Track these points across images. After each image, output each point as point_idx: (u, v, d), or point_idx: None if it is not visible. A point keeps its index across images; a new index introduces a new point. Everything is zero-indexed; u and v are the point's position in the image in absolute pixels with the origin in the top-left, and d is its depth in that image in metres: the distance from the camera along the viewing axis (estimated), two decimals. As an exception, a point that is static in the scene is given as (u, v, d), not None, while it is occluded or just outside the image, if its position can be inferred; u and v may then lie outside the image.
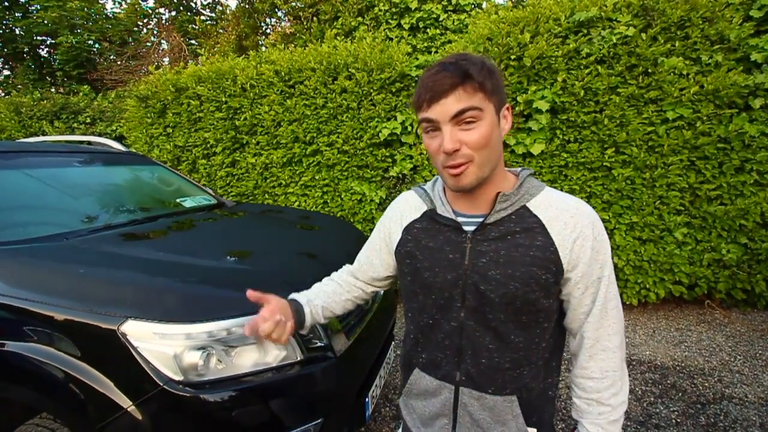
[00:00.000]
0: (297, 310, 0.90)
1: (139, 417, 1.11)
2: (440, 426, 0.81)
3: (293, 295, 0.94)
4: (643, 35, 2.60)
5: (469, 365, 0.76)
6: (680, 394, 2.16)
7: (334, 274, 1.04)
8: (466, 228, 0.75)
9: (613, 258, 2.90)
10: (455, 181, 0.69)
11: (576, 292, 0.73)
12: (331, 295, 0.97)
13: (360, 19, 5.77)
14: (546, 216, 0.72)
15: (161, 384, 1.11)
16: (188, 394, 1.12)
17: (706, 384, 2.24)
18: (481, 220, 0.74)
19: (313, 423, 1.27)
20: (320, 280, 1.52)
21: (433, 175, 3.14)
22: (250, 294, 0.84)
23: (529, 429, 0.76)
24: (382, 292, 2.00)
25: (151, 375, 1.11)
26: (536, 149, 2.83)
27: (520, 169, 0.79)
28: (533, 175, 0.78)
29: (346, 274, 1.02)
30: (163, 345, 1.13)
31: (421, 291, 0.80)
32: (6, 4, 10.05)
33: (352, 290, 1.00)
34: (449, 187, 0.73)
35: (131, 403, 1.11)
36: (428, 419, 0.83)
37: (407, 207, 0.86)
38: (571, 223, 0.71)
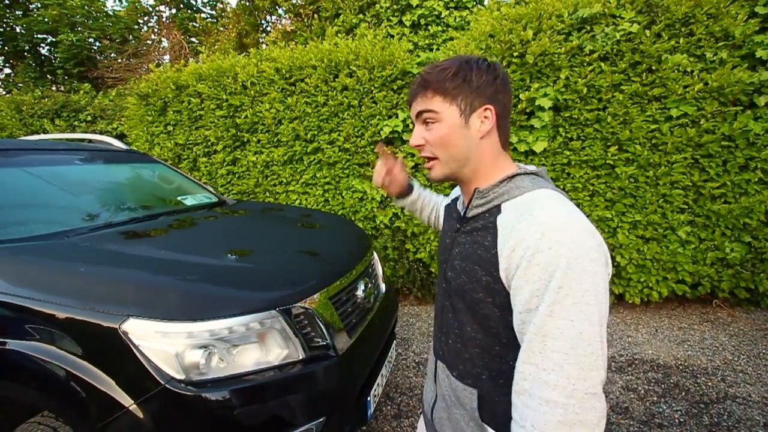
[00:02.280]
0: (409, 187, 1.16)
1: (141, 416, 1.10)
2: (430, 390, 0.91)
3: (417, 185, 1.19)
4: (647, 32, 2.58)
5: (443, 342, 0.83)
6: (683, 393, 2.15)
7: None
8: (462, 219, 0.82)
9: (615, 256, 2.93)
10: (428, 173, 0.78)
11: (515, 309, 0.63)
12: (432, 199, 1.18)
13: (361, 16, 5.75)
14: (503, 218, 0.68)
15: (163, 383, 1.11)
16: (190, 393, 1.11)
17: (710, 383, 2.23)
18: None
19: (316, 422, 1.26)
20: (322, 278, 1.53)
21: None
22: (379, 147, 1.13)
23: (486, 426, 0.73)
24: (384, 289, 1.99)
25: (153, 374, 1.11)
26: (539, 147, 2.82)
27: (530, 167, 0.75)
28: (536, 175, 0.73)
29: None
30: (165, 343, 1.13)
31: (438, 264, 0.91)
32: (6, 2, 10.04)
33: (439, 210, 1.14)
34: None
35: (133, 401, 1.10)
36: (428, 382, 0.94)
37: (453, 192, 0.98)
38: (517, 228, 0.63)
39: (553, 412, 0.55)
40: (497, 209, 0.70)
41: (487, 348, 0.73)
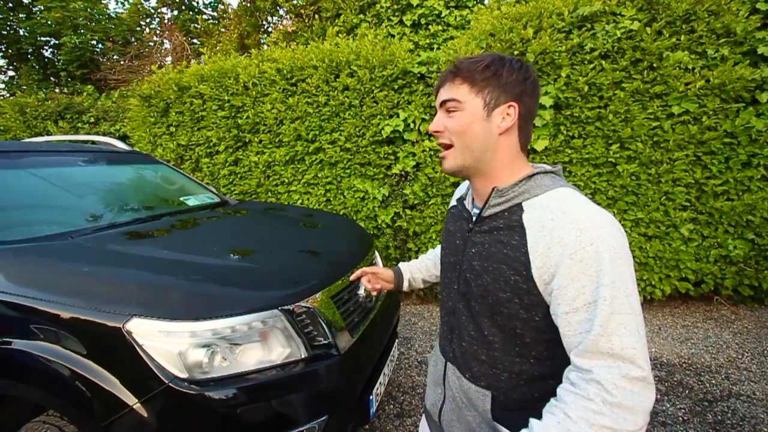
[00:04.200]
0: (397, 281, 1.17)
1: (145, 414, 1.11)
2: (436, 394, 0.89)
3: (401, 266, 1.20)
4: (648, 29, 2.57)
5: (455, 344, 0.83)
6: (687, 391, 2.15)
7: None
8: (474, 219, 0.80)
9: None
10: (441, 162, 0.78)
11: (558, 310, 0.62)
12: (431, 268, 1.17)
13: (362, 16, 5.75)
14: (529, 216, 0.68)
15: (166, 381, 1.11)
16: (193, 392, 1.12)
17: (713, 381, 2.22)
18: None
19: (318, 420, 1.27)
20: (323, 277, 1.52)
21: (436, 172, 3.13)
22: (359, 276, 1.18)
23: (499, 425, 0.74)
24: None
25: (156, 372, 1.12)
26: (540, 145, 2.81)
27: (544, 165, 0.77)
28: (554, 174, 0.74)
29: None
30: (168, 343, 1.13)
31: (442, 267, 0.91)
32: (10, 5, 10.10)
33: None
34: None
35: (137, 400, 1.11)
36: (433, 385, 0.92)
37: (457, 192, 0.97)
38: (549, 227, 0.63)
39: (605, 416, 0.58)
40: (518, 208, 0.71)
41: (506, 349, 0.73)
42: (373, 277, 1.16)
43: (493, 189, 0.74)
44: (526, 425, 0.66)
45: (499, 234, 0.71)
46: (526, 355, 0.71)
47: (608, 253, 0.59)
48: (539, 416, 0.67)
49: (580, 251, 0.60)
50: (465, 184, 0.94)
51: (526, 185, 0.72)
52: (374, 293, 1.16)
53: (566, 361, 0.65)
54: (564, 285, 0.61)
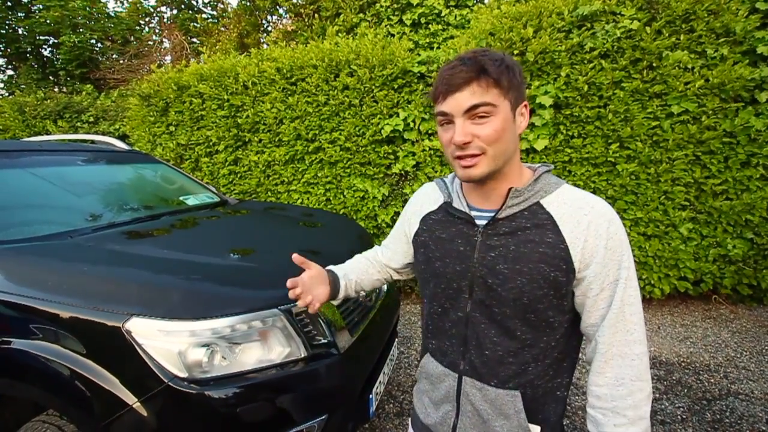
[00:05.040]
0: (333, 280, 0.97)
1: (145, 413, 1.11)
2: (444, 412, 0.83)
3: (331, 267, 1.01)
4: (648, 29, 2.57)
5: (473, 356, 0.77)
6: (686, 390, 2.15)
7: (366, 252, 1.09)
8: (478, 222, 0.77)
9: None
10: (465, 172, 0.71)
11: (590, 293, 0.70)
12: (363, 272, 1.04)
13: (361, 15, 5.75)
14: (559, 213, 0.71)
15: (166, 381, 1.11)
16: (193, 391, 1.12)
17: (712, 380, 2.23)
18: (493, 214, 0.75)
19: (318, 419, 1.27)
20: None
21: (436, 172, 3.13)
22: (296, 257, 0.93)
23: (532, 426, 0.75)
24: (385, 287, 2.00)
25: (156, 372, 1.12)
26: (540, 145, 2.81)
27: (538, 165, 0.78)
28: (550, 172, 0.77)
29: (377, 254, 1.06)
30: (168, 342, 1.13)
31: (432, 279, 0.83)
32: (9, 4, 10.08)
33: (382, 271, 1.05)
34: (459, 177, 0.74)
35: (136, 399, 1.11)
36: (435, 404, 0.86)
37: (427, 198, 0.89)
38: (585, 222, 0.69)
39: (642, 361, 0.69)
40: (538, 206, 0.72)
41: (537, 342, 0.73)
42: (303, 297, 0.89)
43: (509, 190, 0.72)
44: (547, 410, 0.76)
45: (526, 234, 0.71)
46: (552, 340, 0.74)
47: (625, 239, 0.70)
48: (555, 397, 0.77)
49: (610, 240, 0.68)
50: (429, 188, 0.90)
51: (539, 184, 0.74)
52: (312, 311, 0.90)
53: (574, 331, 0.76)
54: (598, 272, 0.69)
